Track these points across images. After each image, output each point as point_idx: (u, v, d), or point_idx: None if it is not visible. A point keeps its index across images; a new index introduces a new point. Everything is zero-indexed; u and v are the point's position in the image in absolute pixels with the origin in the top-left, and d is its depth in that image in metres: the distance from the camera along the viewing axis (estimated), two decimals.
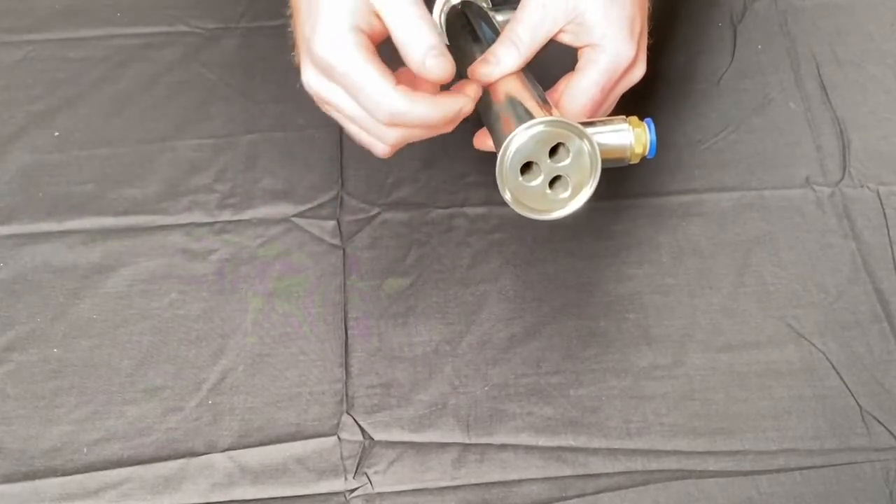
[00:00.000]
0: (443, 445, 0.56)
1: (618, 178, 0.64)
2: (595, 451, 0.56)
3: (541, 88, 0.50)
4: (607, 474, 0.55)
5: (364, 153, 0.51)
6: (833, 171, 0.67)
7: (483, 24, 0.55)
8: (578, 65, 0.52)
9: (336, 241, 0.64)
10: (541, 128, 0.44)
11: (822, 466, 0.56)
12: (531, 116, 0.45)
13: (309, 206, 0.65)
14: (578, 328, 0.61)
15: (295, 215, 0.65)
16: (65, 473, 0.55)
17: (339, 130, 0.61)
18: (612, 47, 0.50)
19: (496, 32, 0.52)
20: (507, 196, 0.46)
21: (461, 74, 0.50)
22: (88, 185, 0.66)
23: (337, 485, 0.55)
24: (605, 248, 0.64)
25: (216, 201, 0.66)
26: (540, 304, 0.61)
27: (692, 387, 0.58)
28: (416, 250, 0.64)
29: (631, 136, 0.49)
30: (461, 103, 0.47)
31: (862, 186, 0.67)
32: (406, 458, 0.56)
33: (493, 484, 0.55)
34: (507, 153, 0.45)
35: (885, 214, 0.65)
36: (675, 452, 0.56)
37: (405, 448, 0.56)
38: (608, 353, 0.60)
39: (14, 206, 0.65)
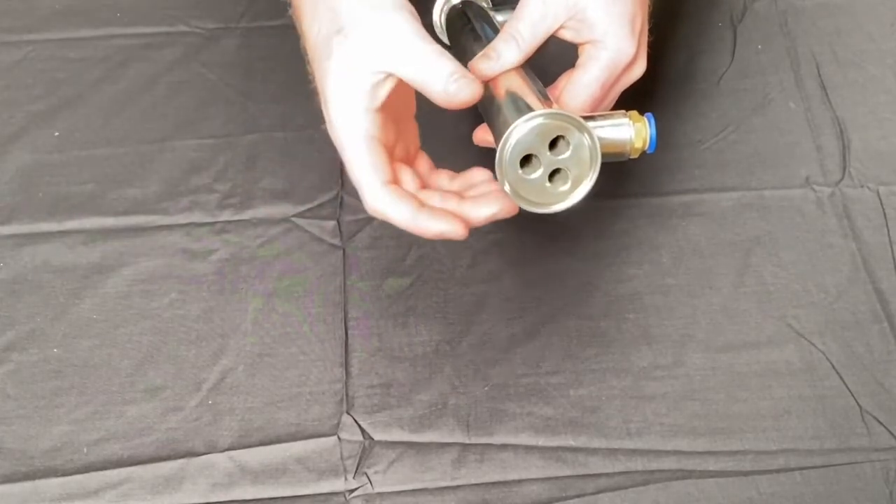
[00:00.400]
0: (443, 445, 0.56)
1: (618, 177, 0.64)
2: (595, 451, 0.56)
3: (541, 84, 0.50)
4: (607, 474, 0.55)
5: None
6: (833, 171, 0.67)
7: (483, 24, 0.55)
8: (579, 61, 0.52)
9: (336, 241, 0.64)
10: (540, 120, 0.44)
11: (822, 466, 0.56)
12: (531, 110, 0.45)
13: (309, 206, 0.65)
14: (578, 328, 0.61)
15: (295, 215, 0.65)
16: (65, 473, 0.55)
17: None
18: (614, 44, 0.50)
19: (496, 32, 0.52)
20: (507, 188, 0.46)
21: None
22: (88, 185, 0.66)
23: (337, 485, 0.55)
24: (605, 248, 0.64)
25: (216, 201, 0.66)
26: (540, 304, 0.61)
27: (692, 387, 0.58)
28: (416, 250, 0.64)
29: (631, 131, 0.49)
30: (443, 229, 0.46)
31: (862, 186, 0.67)
32: (406, 458, 0.56)
33: (493, 484, 0.55)
34: (507, 145, 0.44)
35: (885, 214, 0.65)
36: (675, 452, 0.56)
37: (405, 448, 0.56)
38: (608, 353, 0.60)
39: (14, 206, 0.65)
